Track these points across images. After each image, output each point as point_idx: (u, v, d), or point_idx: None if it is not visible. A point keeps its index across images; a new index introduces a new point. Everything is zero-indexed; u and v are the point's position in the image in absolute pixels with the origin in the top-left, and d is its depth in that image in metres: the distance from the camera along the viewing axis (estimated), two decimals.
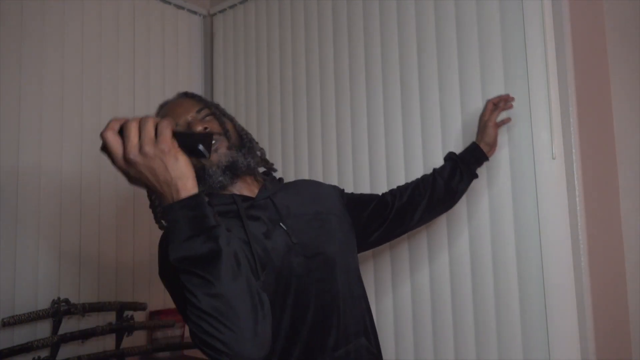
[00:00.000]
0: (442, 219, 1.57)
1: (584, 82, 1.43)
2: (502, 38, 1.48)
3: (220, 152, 1.04)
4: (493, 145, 1.39)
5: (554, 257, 1.37)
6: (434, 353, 1.56)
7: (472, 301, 1.50)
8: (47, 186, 1.77)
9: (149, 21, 2.15)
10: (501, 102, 1.41)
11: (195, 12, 2.34)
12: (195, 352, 2.11)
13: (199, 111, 1.08)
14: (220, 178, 1.03)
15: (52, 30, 1.84)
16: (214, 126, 1.06)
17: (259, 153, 1.14)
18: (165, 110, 1.12)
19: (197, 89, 2.33)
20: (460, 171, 1.35)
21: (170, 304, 2.07)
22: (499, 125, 1.41)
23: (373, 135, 1.75)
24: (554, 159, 1.39)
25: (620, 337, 1.47)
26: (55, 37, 1.84)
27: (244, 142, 1.09)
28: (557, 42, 1.40)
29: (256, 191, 1.09)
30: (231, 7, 2.28)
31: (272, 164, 1.20)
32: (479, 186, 1.50)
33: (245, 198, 1.06)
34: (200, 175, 1.01)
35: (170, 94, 2.18)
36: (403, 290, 1.64)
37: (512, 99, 1.42)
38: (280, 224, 1.05)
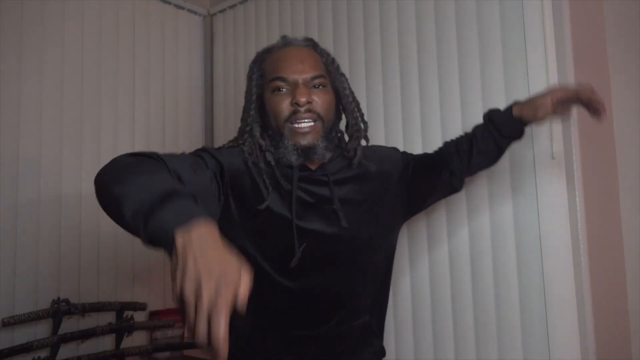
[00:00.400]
0: (442, 219, 1.57)
1: (584, 82, 1.43)
2: (502, 38, 1.48)
3: (309, 136, 1.03)
4: (537, 113, 1.11)
5: (554, 257, 1.37)
6: (433, 353, 1.56)
7: (472, 301, 1.50)
8: (47, 186, 1.77)
9: (149, 21, 2.15)
10: (594, 105, 1.04)
11: (195, 12, 2.35)
12: (195, 352, 2.11)
13: (314, 77, 1.05)
14: (292, 158, 1.04)
15: (52, 30, 1.84)
16: (316, 105, 1.04)
17: (350, 139, 1.12)
18: (280, 57, 1.07)
19: (197, 88, 2.33)
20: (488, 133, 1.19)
21: (171, 304, 2.08)
22: (560, 110, 1.10)
23: (373, 135, 1.74)
24: (554, 159, 1.39)
25: (620, 337, 1.47)
26: (55, 37, 1.84)
27: (332, 131, 1.09)
28: (557, 42, 1.40)
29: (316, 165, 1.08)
30: (231, 7, 2.28)
31: (354, 151, 1.11)
32: (479, 186, 1.50)
33: (304, 168, 1.07)
34: (278, 140, 1.04)
35: (170, 94, 2.21)
36: (403, 290, 1.64)
37: (603, 114, 1.04)
38: (334, 207, 1.05)
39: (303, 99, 1.01)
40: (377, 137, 1.73)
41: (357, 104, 1.14)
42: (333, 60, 1.12)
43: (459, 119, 1.56)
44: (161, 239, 0.67)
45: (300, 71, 1.04)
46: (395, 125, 1.69)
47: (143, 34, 2.12)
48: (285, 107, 1.03)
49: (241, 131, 1.12)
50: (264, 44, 2.12)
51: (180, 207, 0.68)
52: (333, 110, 1.09)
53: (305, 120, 1.03)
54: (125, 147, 2.01)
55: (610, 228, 1.50)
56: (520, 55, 1.44)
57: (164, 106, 2.18)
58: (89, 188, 1.86)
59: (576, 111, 1.39)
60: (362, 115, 1.14)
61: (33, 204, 1.74)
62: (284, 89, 1.04)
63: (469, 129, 1.52)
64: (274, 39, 2.06)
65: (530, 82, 1.42)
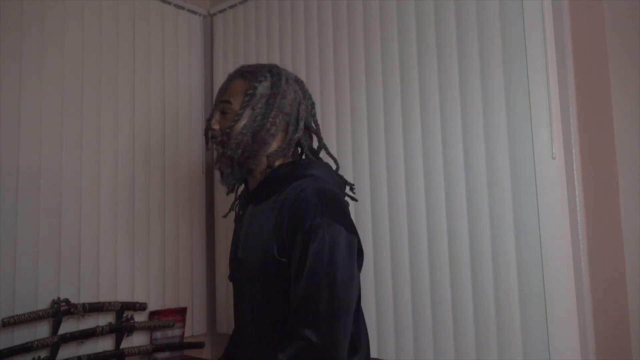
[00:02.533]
0: (442, 219, 1.57)
1: (584, 82, 1.43)
2: (502, 38, 1.48)
3: (218, 164, 1.16)
4: None
5: (554, 257, 1.37)
6: (433, 353, 1.56)
7: (472, 301, 1.50)
8: (47, 186, 1.77)
9: (149, 21, 2.15)
10: None
11: (195, 12, 2.34)
12: (195, 352, 2.11)
13: (221, 102, 1.15)
14: (221, 183, 1.18)
15: (52, 30, 1.84)
16: (216, 133, 1.15)
17: (258, 162, 1.15)
18: (221, 85, 1.20)
19: (197, 89, 2.33)
20: None
21: (171, 304, 2.08)
22: None
23: (373, 135, 1.75)
24: (554, 159, 1.39)
25: (620, 337, 1.47)
26: (55, 37, 1.84)
27: (241, 157, 1.13)
28: (557, 42, 1.40)
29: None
30: (231, 7, 2.28)
31: (269, 170, 1.14)
32: (479, 186, 1.50)
33: (245, 194, 1.22)
34: None
35: (170, 94, 2.21)
36: (403, 290, 1.64)
37: None
38: (239, 232, 1.18)
39: (212, 126, 1.16)
40: (377, 135, 1.73)
41: (263, 125, 1.12)
42: (258, 82, 1.13)
43: (459, 119, 1.56)
44: None
45: (216, 97, 1.18)
46: (395, 125, 1.69)
47: (143, 34, 2.12)
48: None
49: None
50: (264, 44, 2.13)
51: None
52: (242, 136, 1.11)
53: (215, 148, 1.16)
54: (126, 147, 2.01)
55: (610, 228, 1.50)
56: (520, 55, 1.44)
57: (164, 106, 2.18)
58: (89, 187, 1.88)
59: (576, 112, 1.39)
60: (260, 135, 1.12)
61: (33, 204, 1.74)
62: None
63: (469, 128, 1.53)
64: (274, 39, 2.09)
65: (530, 82, 1.42)
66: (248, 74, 1.15)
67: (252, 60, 2.16)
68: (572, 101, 1.39)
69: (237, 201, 1.26)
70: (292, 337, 0.94)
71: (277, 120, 1.14)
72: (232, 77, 1.17)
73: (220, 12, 2.34)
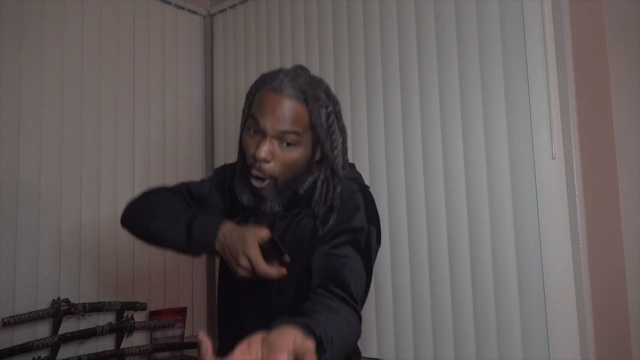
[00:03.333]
0: (442, 219, 1.57)
1: (584, 82, 1.43)
2: (502, 38, 1.48)
3: (261, 191, 1.06)
4: None
5: (554, 257, 1.37)
6: (433, 353, 1.56)
7: (472, 301, 1.50)
8: (47, 186, 1.77)
9: (149, 21, 2.15)
10: None
11: (195, 12, 2.35)
12: (195, 352, 2.11)
13: (286, 132, 1.01)
14: (244, 198, 1.10)
15: (52, 30, 1.84)
16: (272, 167, 1.02)
17: (323, 198, 1.08)
18: (263, 98, 1.03)
19: (197, 89, 2.33)
20: None
21: (171, 304, 2.08)
22: None
23: (373, 134, 1.75)
24: (554, 159, 1.39)
25: (620, 337, 1.47)
26: (55, 37, 1.84)
27: (289, 183, 1.07)
28: (557, 42, 1.40)
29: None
30: (231, 7, 2.28)
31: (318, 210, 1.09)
32: (479, 186, 1.50)
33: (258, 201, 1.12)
34: (245, 171, 1.09)
35: (170, 94, 2.21)
36: (403, 290, 1.64)
37: None
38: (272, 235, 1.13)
39: (261, 154, 1.00)
40: (377, 135, 1.73)
41: (339, 164, 1.08)
42: (329, 115, 1.06)
43: (459, 119, 1.56)
44: (205, 251, 1.02)
45: (273, 122, 1.00)
46: (395, 125, 1.69)
47: (143, 34, 2.12)
48: (250, 151, 1.04)
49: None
50: (264, 44, 2.13)
51: (202, 226, 1.02)
52: (298, 167, 1.05)
53: (258, 178, 1.04)
54: (125, 147, 2.01)
55: (610, 228, 1.50)
56: (520, 55, 1.44)
57: (164, 106, 2.18)
58: (89, 188, 1.88)
59: (576, 112, 1.39)
60: (338, 176, 1.09)
61: (33, 204, 1.74)
62: (255, 132, 1.04)
63: (469, 128, 1.53)
64: (274, 39, 2.09)
65: (530, 82, 1.42)
66: (310, 97, 1.03)
67: (252, 61, 2.16)
68: (572, 101, 1.39)
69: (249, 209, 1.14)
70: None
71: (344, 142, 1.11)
72: (291, 98, 1.02)
73: (220, 12, 2.34)
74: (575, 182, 1.37)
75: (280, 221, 1.11)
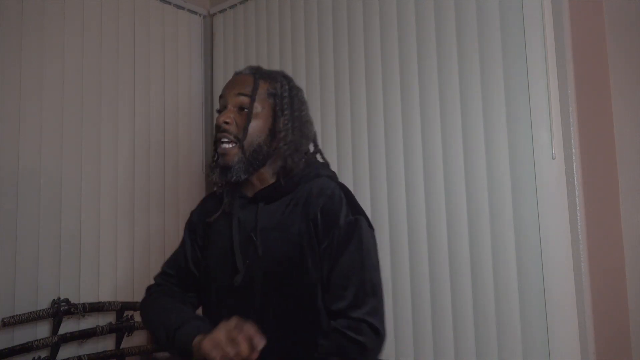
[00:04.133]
0: (442, 219, 1.57)
1: (583, 82, 1.43)
2: (502, 38, 1.48)
3: (226, 157, 1.11)
4: None
5: (554, 257, 1.37)
6: (433, 353, 1.55)
7: (472, 301, 1.50)
8: (47, 186, 1.77)
9: (149, 21, 2.15)
10: None
11: (195, 12, 2.34)
12: None
13: (238, 94, 1.12)
14: (215, 176, 1.13)
15: (52, 30, 1.84)
16: (232, 127, 1.11)
17: (280, 162, 1.15)
18: (225, 85, 1.18)
19: (197, 89, 2.33)
20: None
21: None
22: None
23: (373, 134, 1.75)
24: (554, 159, 1.39)
25: (620, 337, 1.47)
26: (55, 37, 1.84)
27: (255, 153, 1.12)
28: (557, 42, 1.40)
29: (254, 191, 1.17)
30: (231, 7, 2.28)
31: (290, 178, 1.15)
32: (479, 186, 1.50)
33: (243, 195, 1.17)
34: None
35: (170, 94, 2.21)
36: (403, 290, 1.63)
37: None
38: (252, 233, 1.13)
39: (220, 119, 1.11)
40: (377, 135, 1.73)
41: (296, 133, 1.15)
42: (282, 86, 1.16)
43: (459, 119, 1.56)
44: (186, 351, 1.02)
45: (229, 90, 1.14)
46: (395, 125, 1.69)
47: (143, 34, 2.12)
48: (216, 127, 1.14)
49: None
50: (264, 44, 2.13)
51: (186, 332, 1.04)
52: (260, 132, 1.12)
53: (224, 141, 1.11)
54: (126, 147, 2.01)
55: (610, 228, 1.50)
56: (520, 55, 1.44)
57: (164, 106, 2.18)
58: (89, 188, 1.88)
59: (576, 112, 1.39)
60: (294, 143, 1.15)
61: (33, 204, 1.74)
62: (220, 110, 1.16)
63: (469, 128, 1.53)
64: (274, 39, 2.09)
65: (530, 82, 1.42)
66: (261, 74, 1.17)
67: (252, 61, 2.16)
68: (572, 101, 1.39)
69: (227, 201, 1.18)
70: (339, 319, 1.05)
71: (300, 124, 1.17)
72: (244, 74, 1.17)
73: (220, 12, 2.34)
74: (575, 182, 1.37)
75: (262, 213, 1.14)
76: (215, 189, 1.18)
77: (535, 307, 1.38)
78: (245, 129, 1.11)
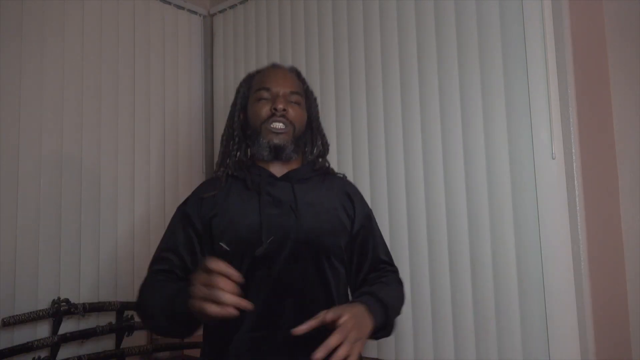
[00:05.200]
0: (442, 219, 1.57)
1: (584, 82, 1.43)
2: (502, 38, 1.48)
3: (281, 136, 1.19)
4: None
5: (554, 257, 1.37)
6: (433, 353, 1.56)
7: (472, 301, 1.50)
8: (46, 186, 1.77)
9: (149, 21, 2.15)
10: None
11: (195, 12, 2.35)
12: (195, 352, 2.11)
13: (292, 93, 1.23)
14: (265, 153, 1.20)
15: (52, 30, 1.84)
16: (290, 114, 1.21)
17: (315, 150, 1.29)
18: (267, 74, 1.25)
19: (197, 89, 2.33)
20: None
21: None
22: None
23: (373, 134, 1.75)
24: (554, 159, 1.39)
25: (620, 337, 1.47)
26: (55, 37, 1.84)
27: (305, 138, 1.28)
28: (557, 42, 1.40)
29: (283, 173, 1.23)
30: (231, 7, 2.28)
31: (322, 165, 1.28)
32: (479, 186, 1.50)
33: (271, 175, 1.21)
34: (254, 139, 1.22)
35: (170, 94, 2.21)
36: None
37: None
38: (292, 208, 1.17)
39: (280, 106, 1.19)
40: (377, 135, 1.73)
41: (323, 131, 1.33)
42: (311, 90, 1.32)
43: (459, 119, 1.56)
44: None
45: (282, 85, 1.22)
46: (395, 125, 1.69)
47: (143, 34, 2.12)
48: (265, 111, 1.20)
49: (224, 148, 1.28)
50: (264, 44, 2.13)
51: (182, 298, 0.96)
52: (304, 124, 1.26)
53: (280, 123, 1.19)
54: (125, 147, 2.01)
55: (610, 228, 1.50)
56: (520, 55, 1.44)
57: (164, 105, 2.18)
58: (89, 188, 1.88)
59: (576, 112, 1.39)
60: (326, 140, 1.33)
61: (33, 204, 1.74)
62: (266, 98, 1.22)
63: (469, 128, 1.53)
64: (274, 39, 2.09)
65: (530, 82, 1.42)
66: (299, 73, 1.31)
67: (252, 61, 2.16)
68: (572, 101, 1.39)
69: (251, 179, 1.21)
70: (385, 271, 1.25)
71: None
72: (287, 70, 1.28)
73: (220, 12, 2.34)
74: (575, 182, 1.37)
75: (298, 190, 1.20)
76: (231, 170, 1.23)
77: (536, 307, 1.38)
78: (297, 120, 1.22)
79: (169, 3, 2.23)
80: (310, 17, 1.96)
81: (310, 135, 1.30)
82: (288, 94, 1.22)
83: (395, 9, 1.71)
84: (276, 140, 1.19)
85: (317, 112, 1.33)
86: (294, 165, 1.24)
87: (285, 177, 1.21)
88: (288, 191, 1.19)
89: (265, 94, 1.21)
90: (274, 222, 1.14)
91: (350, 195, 1.27)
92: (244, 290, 0.96)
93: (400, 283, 1.25)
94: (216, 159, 1.32)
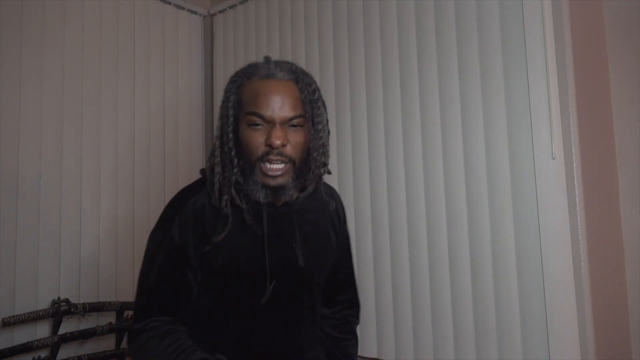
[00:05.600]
0: (442, 219, 1.57)
1: (584, 82, 1.43)
2: (502, 38, 1.48)
3: (279, 179, 1.00)
4: None
5: (554, 257, 1.37)
6: (433, 353, 1.56)
7: (472, 301, 1.50)
8: (47, 186, 1.77)
9: (149, 21, 2.15)
10: None
11: (195, 12, 2.35)
12: None
13: (292, 118, 1.00)
14: (261, 196, 1.02)
15: (52, 30, 1.84)
16: (289, 149, 1.00)
17: (315, 175, 1.08)
18: (261, 92, 1.01)
19: (197, 89, 2.33)
20: None
21: None
22: None
23: (373, 134, 1.75)
24: (554, 158, 1.39)
25: (620, 337, 1.47)
26: (55, 37, 1.84)
27: (306, 169, 1.06)
28: (557, 42, 1.40)
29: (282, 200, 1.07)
30: (231, 7, 2.28)
31: (319, 185, 1.12)
32: (479, 186, 1.50)
33: (271, 204, 1.06)
34: (247, 173, 1.01)
35: (170, 94, 2.21)
36: (403, 290, 1.64)
37: None
38: (293, 244, 1.08)
39: (277, 142, 0.98)
40: (377, 135, 1.73)
41: (328, 138, 1.09)
42: (314, 91, 1.05)
43: (459, 119, 1.56)
44: None
45: (279, 109, 0.99)
46: (395, 125, 1.69)
47: (143, 34, 2.12)
48: (259, 144, 1.00)
49: (214, 159, 1.06)
50: (264, 44, 2.13)
51: None
52: (306, 148, 1.04)
53: (277, 163, 1.00)
54: (125, 147, 2.01)
55: (610, 228, 1.50)
56: (520, 55, 1.44)
57: (164, 106, 2.18)
58: (89, 188, 1.88)
59: (576, 112, 1.39)
60: (327, 150, 1.09)
61: (33, 204, 1.74)
62: (259, 125, 1.00)
63: (469, 128, 1.53)
64: (274, 39, 2.09)
65: (530, 82, 1.42)
66: (299, 75, 1.04)
67: (252, 61, 2.15)
68: (572, 101, 1.39)
69: (248, 212, 1.05)
70: (353, 305, 1.28)
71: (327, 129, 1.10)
72: (285, 80, 1.03)
73: (220, 12, 2.34)
74: (575, 182, 1.37)
75: (297, 214, 1.09)
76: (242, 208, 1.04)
77: (535, 307, 1.38)
78: (298, 149, 1.02)
79: (169, 3, 2.24)
80: (310, 17, 1.96)
81: (315, 155, 1.06)
82: (287, 120, 1.00)
83: (395, 9, 1.71)
84: (273, 183, 1.00)
85: (323, 119, 1.07)
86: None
87: (286, 205, 1.08)
88: (288, 223, 1.08)
89: (258, 120, 0.99)
90: (277, 261, 1.06)
91: (339, 212, 1.20)
92: (233, 316, 0.99)
93: (356, 337, 1.28)
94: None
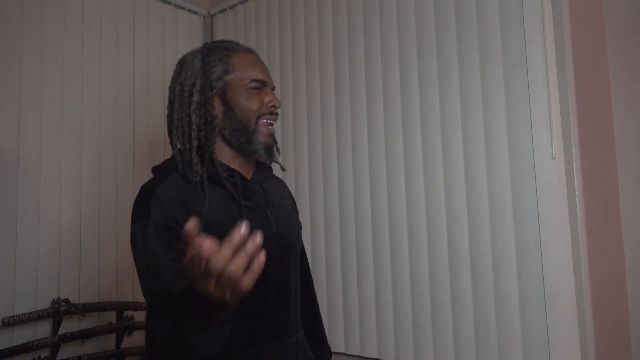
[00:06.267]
0: (442, 219, 1.57)
1: (583, 82, 1.43)
2: (502, 38, 1.48)
3: (273, 137, 1.13)
4: None
5: (554, 257, 1.37)
6: (433, 353, 1.56)
7: (472, 301, 1.50)
8: (47, 186, 1.77)
9: (149, 21, 2.15)
10: None
11: (195, 12, 2.35)
12: None
13: (273, 89, 1.16)
14: (263, 154, 1.11)
15: (52, 30, 1.84)
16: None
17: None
18: (256, 62, 1.13)
19: None
20: None
21: None
22: None
23: (373, 134, 1.75)
24: (554, 158, 1.39)
25: (620, 337, 1.47)
26: (55, 37, 1.84)
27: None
28: (557, 42, 1.40)
29: (250, 173, 1.15)
30: (231, 7, 2.28)
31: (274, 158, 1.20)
32: (479, 186, 1.50)
33: (242, 177, 1.12)
34: (245, 137, 1.09)
35: None
36: (403, 290, 1.64)
37: None
38: (267, 210, 1.12)
39: (277, 102, 1.12)
40: (377, 135, 1.73)
41: None
42: None
43: (459, 119, 1.56)
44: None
45: (267, 73, 1.15)
46: (395, 125, 1.69)
47: (143, 34, 2.12)
48: (261, 104, 1.10)
49: (192, 133, 1.13)
50: (264, 44, 2.13)
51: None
52: None
53: (274, 123, 1.13)
54: (126, 148, 2.01)
55: (610, 228, 1.50)
56: (520, 55, 1.44)
57: (164, 106, 2.17)
58: (89, 187, 1.88)
59: (576, 112, 1.39)
60: None
61: (33, 205, 1.74)
62: (259, 89, 1.11)
63: (469, 128, 1.53)
64: (274, 39, 2.09)
65: (530, 82, 1.42)
66: None
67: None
68: (572, 101, 1.39)
69: (228, 184, 1.08)
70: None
71: None
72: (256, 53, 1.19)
73: (220, 12, 2.34)
74: (575, 182, 1.37)
75: (264, 190, 1.15)
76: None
77: (535, 307, 1.38)
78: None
79: (169, 3, 2.23)
80: (310, 17, 1.96)
81: None
82: (271, 83, 1.16)
83: (395, 9, 1.71)
84: (271, 141, 1.12)
85: None
86: (252, 164, 1.15)
87: (255, 178, 1.14)
88: (261, 195, 1.13)
89: (260, 86, 1.11)
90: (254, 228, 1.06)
91: (292, 197, 1.29)
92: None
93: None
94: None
